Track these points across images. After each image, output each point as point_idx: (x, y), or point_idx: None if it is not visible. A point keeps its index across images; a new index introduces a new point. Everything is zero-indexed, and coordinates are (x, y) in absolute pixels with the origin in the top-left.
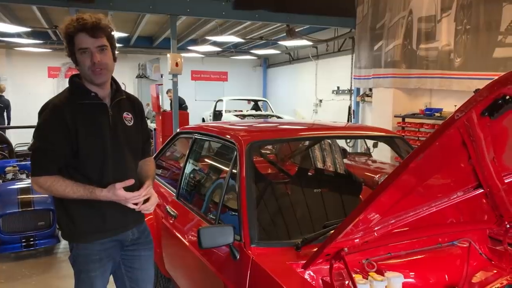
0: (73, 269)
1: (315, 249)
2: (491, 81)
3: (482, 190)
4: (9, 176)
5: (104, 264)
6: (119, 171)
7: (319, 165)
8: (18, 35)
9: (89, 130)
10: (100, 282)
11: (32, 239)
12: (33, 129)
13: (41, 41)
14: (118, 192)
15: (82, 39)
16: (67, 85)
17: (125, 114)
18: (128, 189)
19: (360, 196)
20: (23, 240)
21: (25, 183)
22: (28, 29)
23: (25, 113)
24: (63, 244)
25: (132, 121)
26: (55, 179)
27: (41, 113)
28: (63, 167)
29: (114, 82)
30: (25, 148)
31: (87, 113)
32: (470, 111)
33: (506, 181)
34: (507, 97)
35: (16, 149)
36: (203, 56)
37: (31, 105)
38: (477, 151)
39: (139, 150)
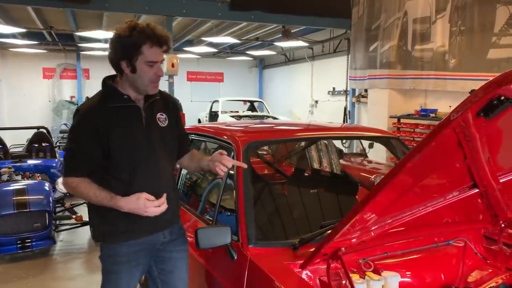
0: (102, 269)
1: (312, 249)
2: (486, 82)
3: (478, 190)
4: (4, 177)
5: (131, 267)
6: (152, 173)
7: (316, 165)
8: (13, 35)
9: (121, 133)
10: (125, 286)
11: (28, 240)
12: (28, 130)
13: (36, 42)
14: (142, 198)
15: (156, 52)
16: (62, 86)
17: (159, 115)
18: (160, 192)
19: (356, 196)
20: (19, 242)
21: (21, 184)
22: (23, 30)
23: (20, 114)
24: (59, 245)
25: (167, 121)
26: (81, 180)
27: (74, 116)
28: (95, 169)
29: None
30: (20, 149)
31: (120, 117)
32: (466, 111)
33: (501, 180)
34: (502, 97)
35: (11, 150)
36: (199, 57)
37: (26, 106)
38: (472, 151)
39: (174, 150)
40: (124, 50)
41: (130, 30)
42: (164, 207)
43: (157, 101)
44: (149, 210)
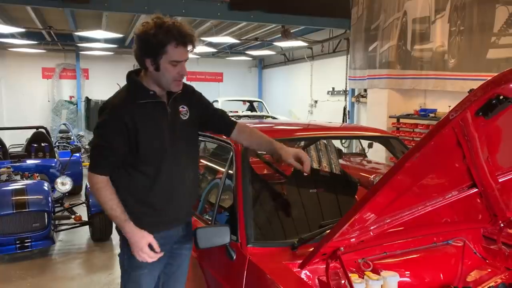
0: (121, 268)
1: (311, 249)
2: (485, 81)
3: (477, 190)
4: (3, 177)
5: (153, 261)
6: (176, 167)
7: (315, 165)
8: (12, 35)
9: (149, 129)
10: (147, 281)
11: (27, 240)
12: (27, 130)
13: (35, 42)
14: (145, 239)
15: (180, 52)
16: (61, 86)
17: (180, 108)
18: (182, 185)
19: (356, 196)
20: (18, 242)
21: (20, 184)
22: (22, 30)
23: (20, 114)
24: (58, 245)
25: (188, 113)
26: (105, 185)
27: (101, 112)
28: (120, 165)
29: None
30: (20, 149)
31: (147, 113)
32: (465, 111)
33: (500, 180)
34: (501, 97)
35: (10, 150)
36: (198, 57)
37: (26, 106)
38: (471, 150)
39: (195, 141)
40: (149, 49)
41: (156, 28)
42: (154, 260)
43: (178, 94)
44: (142, 255)
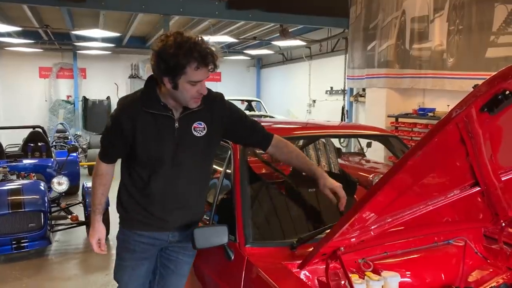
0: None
1: (310, 249)
2: (491, 75)
3: (479, 188)
4: None
5: (135, 258)
6: (172, 180)
7: None
8: (9, 34)
9: (147, 139)
10: (127, 274)
11: (23, 241)
12: (24, 130)
13: (32, 41)
14: (97, 236)
15: (201, 73)
16: (59, 85)
17: (195, 124)
18: (178, 197)
19: (355, 196)
20: (14, 242)
21: (16, 184)
22: (19, 29)
23: (16, 113)
24: (55, 245)
25: (205, 130)
26: (101, 173)
27: (117, 104)
28: (125, 160)
29: None
30: (16, 149)
31: (151, 123)
32: (470, 106)
33: (502, 179)
34: (507, 92)
35: (7, 150)
36: None
37: (23, 105)
38: (475, 148)
39: (207, 158)
40: (168, 68)
41: (175, 47)
42: (97, 252)
43: (197, 109)
44: (92, 246)
